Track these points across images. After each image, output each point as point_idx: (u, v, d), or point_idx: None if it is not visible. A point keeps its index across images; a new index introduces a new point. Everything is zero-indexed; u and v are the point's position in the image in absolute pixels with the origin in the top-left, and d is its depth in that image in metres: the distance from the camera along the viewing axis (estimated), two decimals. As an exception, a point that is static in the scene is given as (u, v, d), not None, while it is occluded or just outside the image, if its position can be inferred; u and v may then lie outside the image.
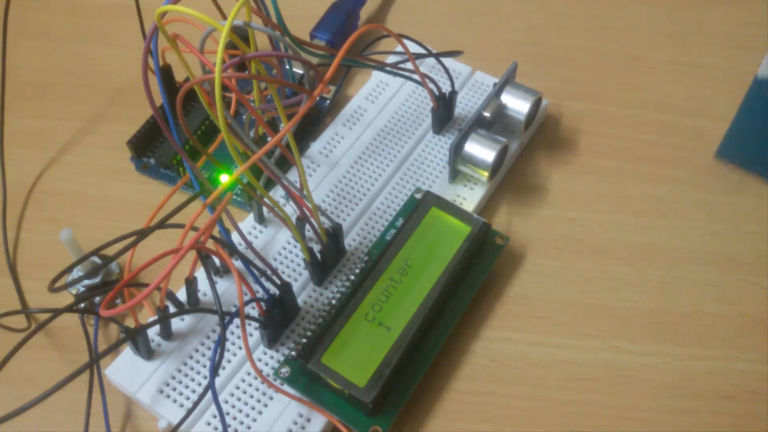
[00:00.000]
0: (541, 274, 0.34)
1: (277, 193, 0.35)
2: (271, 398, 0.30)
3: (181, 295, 0.31)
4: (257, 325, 0.30)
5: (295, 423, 0.29)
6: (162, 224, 0.27)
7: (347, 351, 0.29)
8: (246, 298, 0.28)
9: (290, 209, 0.34)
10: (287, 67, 0.37)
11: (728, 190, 0.36)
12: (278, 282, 0.29)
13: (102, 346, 0.32)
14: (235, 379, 0.30)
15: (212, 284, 0.29)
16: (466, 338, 0.32)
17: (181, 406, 0.29)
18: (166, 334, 0.31)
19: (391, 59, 0.36)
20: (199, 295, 0.32)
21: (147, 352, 0.30)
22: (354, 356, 0.29)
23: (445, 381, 0.31)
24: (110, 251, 0.27)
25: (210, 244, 0.28)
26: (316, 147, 0.36)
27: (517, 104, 0.36)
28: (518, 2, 0.44)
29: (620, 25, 0.43)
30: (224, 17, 0.34)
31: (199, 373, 0.30)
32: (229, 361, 0.30)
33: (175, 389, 0.30)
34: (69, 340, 0.32)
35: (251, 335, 0.31)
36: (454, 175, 0.35)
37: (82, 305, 0.32)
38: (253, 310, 0.31)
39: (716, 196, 0.36)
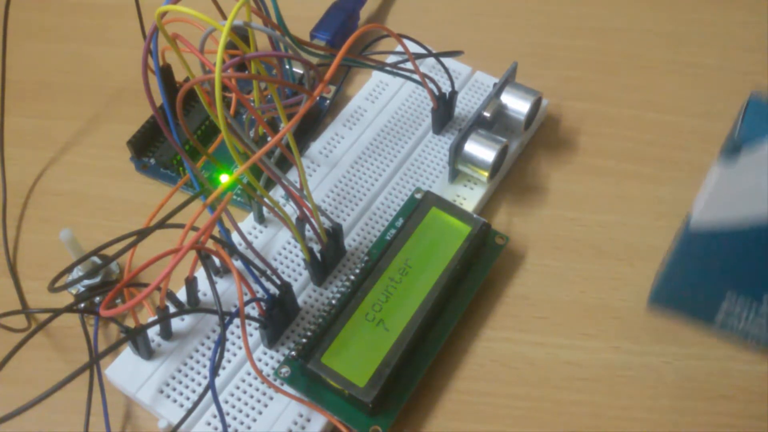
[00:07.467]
0: (541, 274, 0.34)
1: (277, 193, 0.35)
2: (271, 398, 0.30)
3: (181, 295, 0.31)
4: (257, 325, 0.30)
5: (295, 423, 0.29)
6: (162, 224, 0.27)
7: (347, 351, 0.29)
8: (246, 298, 0.28)
9: (290, 209, 0.34)
10: (287, 67, 0.37)
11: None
12: (278, 282, 0.29)
13: (102, 346, 0.32)
14: (235, 379, 0.30)
15: (212, 284, 0.29)
16: (466, 338, 0.32)
17: (181, 406, 0.29)
18: (166, 334, 0.31)
19: (391, 59, 0.36)
20: (199, 295, 0.32)
21: (147, 352, 0.30)
22: (354, 356, 0.29)
23: (445, 381, 0.31)
24: (110, 251, 0.27)
25: (210, 244, 0.28)
26: (316, 147, 0.36)
27: (517, 104, 0.36)
28: (518, 2, 0.44)
29: (620, 25, 0.43)
30: (224, 17, 0.34)
31: (199, 373, 0.30)
32: (229, 361, 0.30)
33: (175, 389, 0.30)
34: (69, 340, 0.32)
35: (251, 335, 0.31)
36: (454, 175, 0.35)
37: (82, 305, 0.32)
38: (253, 310, 0.31)
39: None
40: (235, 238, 0.31)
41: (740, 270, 0.29)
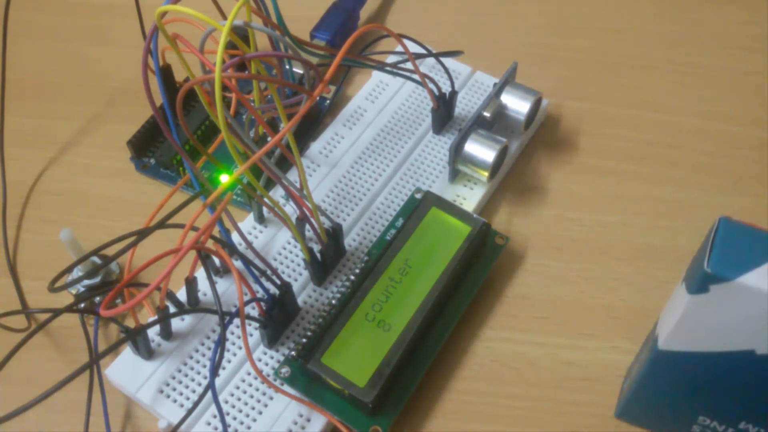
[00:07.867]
0: (541, 274, 0.34)
1: (277, 193, 0.35)
2: (271, 398, 0.30)
3: (181, 295, 0.31)
4: (257, 325, 0.30)
5: (295, 423, 0.29)
6: (162, 224, 0.27)
7: (347, 351, 0.29)
8: (246, 298, 0.28)
9: (290, 209, 0.34)
10: (287, 67, 0.37)
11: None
12: (278, 282, 0.29)
13: (102, 346, 0.32)
14: (235, 379, 0.30)
15: (212, 284, 0.29)
16: (466, 338, 0.32)
17: (181, 406, 0.29)
18: (166, 334, 0.31)
19: (391, 59, 0.36)
20: (199, 295, 0.32)
21: (147, 352, 0.30)
22: (354, 356, 0.29)
23: (445, 381, 0.31)
24: (110, 251, 0.27)
25: (210, 244, 0.28)
26: (316, 147, 0.36)
27: (517, 104, 0.36)
28: (518, 2, 0.44)
29: (620, 25, 0.43)
30: (224, 17, 0.34)
31: (199, 373, 0.30)
32: (229, 361, 0.30)
33: (175, 389, 0.30)
34: (69, 340, 0.32)
35: (251, 335, 0.31)
36: (454, 175, 0.35)
37: (82, 305, 0.32)
38: (253, 310, 0.31)
39: (715, 197, 0.36)
40: (235, 238, 0.31)
41: (713, 394, 0.26)
